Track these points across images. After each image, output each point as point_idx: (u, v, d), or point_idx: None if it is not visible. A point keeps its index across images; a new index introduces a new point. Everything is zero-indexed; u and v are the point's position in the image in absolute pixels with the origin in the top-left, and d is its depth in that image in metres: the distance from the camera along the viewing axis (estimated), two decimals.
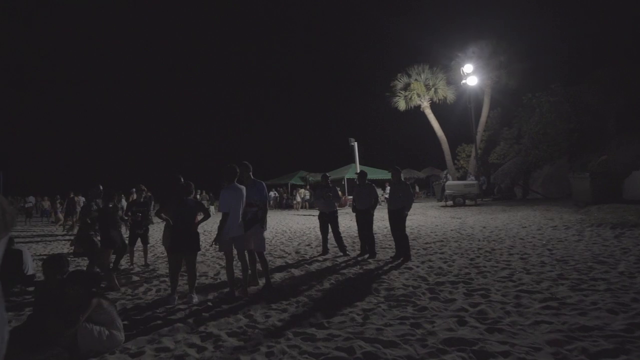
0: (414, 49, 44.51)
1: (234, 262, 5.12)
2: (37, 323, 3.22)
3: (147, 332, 3.78)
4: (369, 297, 4.71)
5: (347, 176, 26.18)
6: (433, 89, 27.47)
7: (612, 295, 4.27)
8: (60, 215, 18.85)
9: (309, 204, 25.96)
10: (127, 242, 7.28)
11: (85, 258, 7.07)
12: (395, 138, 51.85)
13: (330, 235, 8.06)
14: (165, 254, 6.88)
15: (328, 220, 8.04)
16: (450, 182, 21.79)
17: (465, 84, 24.60)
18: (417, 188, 29.70)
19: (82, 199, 17.36)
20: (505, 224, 11.51)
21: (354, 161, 23.13)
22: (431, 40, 54.66)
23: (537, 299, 4.33)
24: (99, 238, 6.29)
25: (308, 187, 28.86)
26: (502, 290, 4.77)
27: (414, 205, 23.24)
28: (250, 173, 5.47)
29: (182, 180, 6.48)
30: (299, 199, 26.33)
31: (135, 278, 6.47)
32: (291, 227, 14.07)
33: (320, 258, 7.58)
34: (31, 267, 6.53)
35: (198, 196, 22.31)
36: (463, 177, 27.05)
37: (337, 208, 8.13)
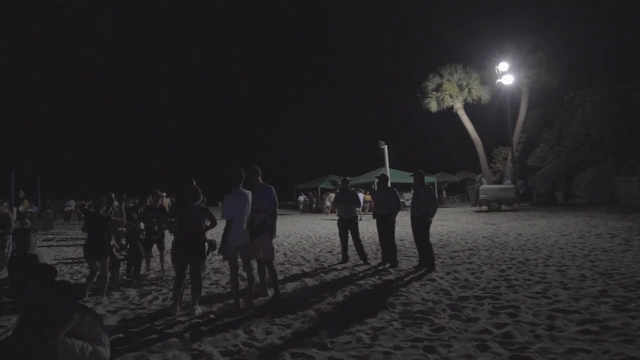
0: (446, 48, 43.54)
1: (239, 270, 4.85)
2: (17, 337, 3.05)
3: (137, 348, 3.55)
4: (382, 313, 4.30)
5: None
6: (466, 89, 26.47)
7: None
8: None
9: None
10: (142, 249, 7.20)
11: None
12: (428, 141, 50.50)
13: (351, 242, 7.68)
14: None
15: (348, 226, 7.67)
16: (484, 186, 20.83)
17: (500, 83, 23.53)
18: (444, 192, 28.51)
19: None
20: (543, 231, 10.71)
21: (384, 165, 22.61)
22: (464, 38, 52.93)
23: (574, 320, 3.79)
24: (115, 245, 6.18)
25: (338, 191, 28.48)
26: (533, 308, 4.24)
27: (447, 210, 22.55)
28: (259, 177, 5.19)
29: (194, 184, 6.31)
30: (328, 203, 26.00)
31: (147, 285, 6.33)
32: (317, 232, 13.75)
33: (339, 267, 7.21)
34: None
35: None
36: (499, 181, 25.86)
37: (359, 213, 7.75)
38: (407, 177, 26.29)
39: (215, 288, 5.85)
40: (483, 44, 30.62)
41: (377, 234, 7.56)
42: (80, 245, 12.51)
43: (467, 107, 27.21)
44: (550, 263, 6.56)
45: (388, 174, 21.92)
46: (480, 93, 26.49)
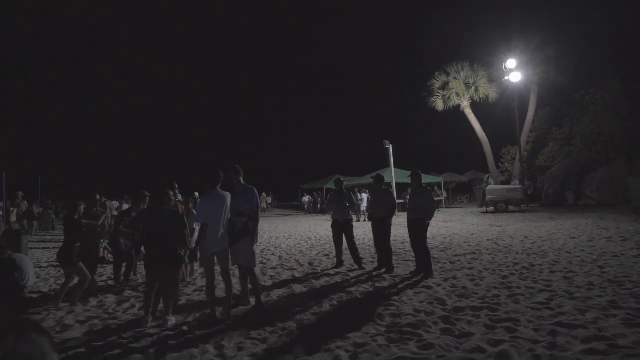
0: (453, 46, 42.65)
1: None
2: None
3: None
4: (368, 327, 3.94)
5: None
6: (473, 88, 25.82)
7: None
8: None
9: None
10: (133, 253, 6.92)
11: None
12: (435, 141, 49.78)
13: (346, 246, 7.34)
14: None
15: (342, 229, 7.32)
16: (491, 187, 20.26)
17: (508, 80, 22.93)
18: (444, 193, 27.86)
19: (115, 203, 17.55)
20: (551, 234, 10.24)
21: (389, 165, 22.15)
22: (471, 35, 52.00)
23: (579, 337, 3.41)
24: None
25: (332, 192, 28.08)
26: (534, 321, 3.86)
27: (452, 211, 22.02)
28: (241, 178, 4.87)
29: (176, 186, 5.98)
30: None
31: (130, 291, 6.03)
32: (318, 233, 13.39)
33: (332, 272, 6.86)
34: (32, 276, 6.28)
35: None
36: (508, 181, 25.23)
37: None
38: None
39: (197, 295, 5.53)
40: (490, 41, 30.09)
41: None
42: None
43: (474, 105, 26.56)
44: (556, 269, 6.15)
45: (393, 174, 21.56)
46: (488, 91, 25.81)
